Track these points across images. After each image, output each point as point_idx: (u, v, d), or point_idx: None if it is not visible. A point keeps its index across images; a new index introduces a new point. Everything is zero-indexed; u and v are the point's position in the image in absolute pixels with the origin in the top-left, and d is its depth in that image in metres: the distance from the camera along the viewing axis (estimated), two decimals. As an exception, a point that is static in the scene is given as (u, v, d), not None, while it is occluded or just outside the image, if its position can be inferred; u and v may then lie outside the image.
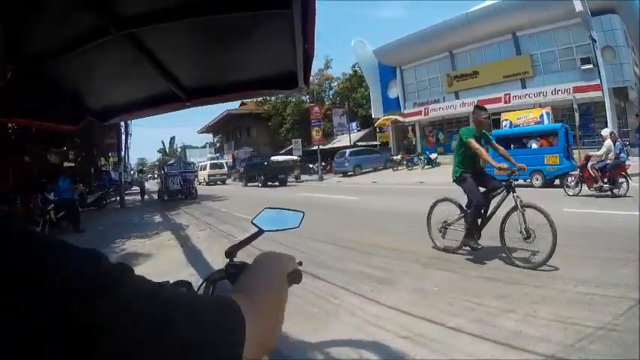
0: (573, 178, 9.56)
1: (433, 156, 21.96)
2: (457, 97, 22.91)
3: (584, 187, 9.08)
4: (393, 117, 26.49)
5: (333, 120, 33.27)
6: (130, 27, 0.97)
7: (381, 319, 3.13)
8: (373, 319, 3.13)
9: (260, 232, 0.97)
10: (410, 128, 27.04)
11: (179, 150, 77.85)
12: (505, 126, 17.21)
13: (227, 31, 1.06)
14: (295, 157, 29.11)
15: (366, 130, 32.32)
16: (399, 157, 24.13)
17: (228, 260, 0.86)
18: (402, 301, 3.45)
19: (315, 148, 29.02)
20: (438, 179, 14.16)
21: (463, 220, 4.70)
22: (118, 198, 17.61)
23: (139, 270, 0.39)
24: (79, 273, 0.33)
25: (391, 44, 25.54)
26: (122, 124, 26.89)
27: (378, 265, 4.69)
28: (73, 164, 20.71)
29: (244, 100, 43.25)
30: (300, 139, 30.73)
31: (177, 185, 18.28)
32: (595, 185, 8.75)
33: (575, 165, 10.70)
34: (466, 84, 22.53)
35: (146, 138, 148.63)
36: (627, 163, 9.16)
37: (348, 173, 24.39)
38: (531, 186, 11.77)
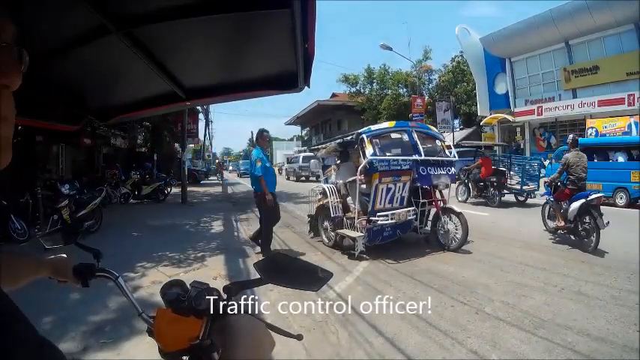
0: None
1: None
2: (575, 96, 22.32)
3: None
4: (502, 115, 25.76)
5: (437, 115, 32.09)
6: (129, 26, 1.06)
7: None
8: None
9: (262, 280, 0.92)
10: (518, 129, 26.25)
11: (266, 142, 79.03)
12: (590, 134, 17.32)
13: (227, 30, 1.17)
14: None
15: (470, 129, 31.71)
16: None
17: (226, 295, 0.88)
18: None
19: (414, 145, 29.05)
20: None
21: None
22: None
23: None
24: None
25: (500, 32, 25.30)
26: (200, 109, 28.86)
27: None
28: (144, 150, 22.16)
29: (336, 92, 46.98)
30: (399, 135, 31.71)
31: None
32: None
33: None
34: (585, 80, 21.63)
35: (229, 128, 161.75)
36: None
37: (453, 176, 23.68)
38: (614, 205, 11.18)
